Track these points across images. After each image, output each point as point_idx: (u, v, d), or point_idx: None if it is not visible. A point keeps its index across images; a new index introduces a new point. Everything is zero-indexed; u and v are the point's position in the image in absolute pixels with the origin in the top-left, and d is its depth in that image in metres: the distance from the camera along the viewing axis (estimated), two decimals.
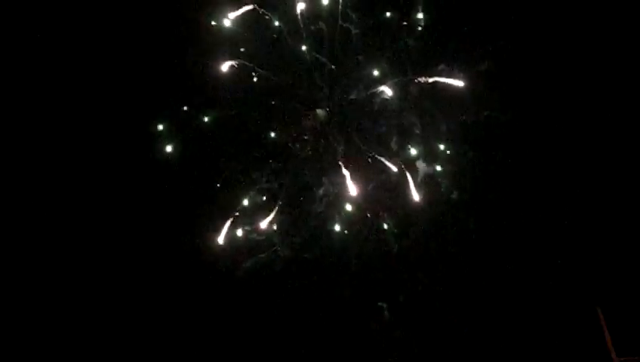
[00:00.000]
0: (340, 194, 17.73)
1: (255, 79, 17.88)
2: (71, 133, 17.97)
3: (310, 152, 18.09)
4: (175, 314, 17.66)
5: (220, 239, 17.59)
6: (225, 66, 17.68)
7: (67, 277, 17.49)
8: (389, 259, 18.03)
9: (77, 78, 18.04)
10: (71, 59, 18.03)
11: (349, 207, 17.89)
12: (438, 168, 18.11)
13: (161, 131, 18.03)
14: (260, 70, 17.74)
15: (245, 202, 17.92)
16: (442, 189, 18.07)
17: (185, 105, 18.07)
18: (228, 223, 17.54)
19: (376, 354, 17.64)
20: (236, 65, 17.69)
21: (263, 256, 17.81)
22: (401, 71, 17.97)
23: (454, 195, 18.11)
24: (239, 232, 17.78)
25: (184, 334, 17.69)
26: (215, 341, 17.63)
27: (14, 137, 17.83)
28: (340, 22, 17.81)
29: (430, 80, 17.49)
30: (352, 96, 18.19)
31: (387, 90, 17.74)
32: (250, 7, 17.47)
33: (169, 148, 18.04)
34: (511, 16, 17.97)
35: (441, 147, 18.17)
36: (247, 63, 17.78)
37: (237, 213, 17.62)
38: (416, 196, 17.53)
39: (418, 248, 18.13)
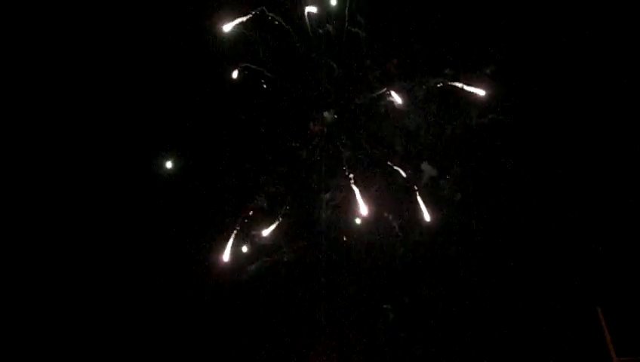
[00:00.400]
0: (347, 199, 17.80)
1: (265, 85, 17.89)
2: (75, 142, 18.06)
3: (318, 157, 18.10)
4: (180, 324, 17.77)
5: (226, 256, 17.67)
6: (231, 70, 17.77)
7: (73, 290, 17.60)
8: (395, 262, 18.09)
9: (86, 83, 18.12)
10: (79, 65, 18.11)
11: (357, 220, 17.97)
12: (443, 171, 18.18)
13: (167, 138, 18.09)
14: (268, 74, 17.76)
15: (251, 212, 17.97)
16: (446, 191, 18.10)
17: (192, 111, 18.12)
18: (231, 239, 17.61)
19: (381, 355, 17.67)
20: (244, 70, 17.75)
21: (268, 259, 17.87)
22: (408, 74, 18.07)
23: (458, 198, 18.14)
24: (244, 248, 17.85)
25: (189, 341, 17.79)
26: (220, 344, 17.71)
27: (18, 147, 17.91)
28: (346, 25, 17.91)
29: (453, 84, 17.59)
30: (360, 100, 18.23)
31: (394, 94, 17.80)
32: (258, 11, 17.49)
33: (176, 153, 18.08)
34: (516, 19, 18.03)
35: (447, 150, 18.24)
36: (255, 67, 17.83)
37: (240, 226, 17.65)
38: (427, 216, 17.69)
39: (423, 249, 18.17)
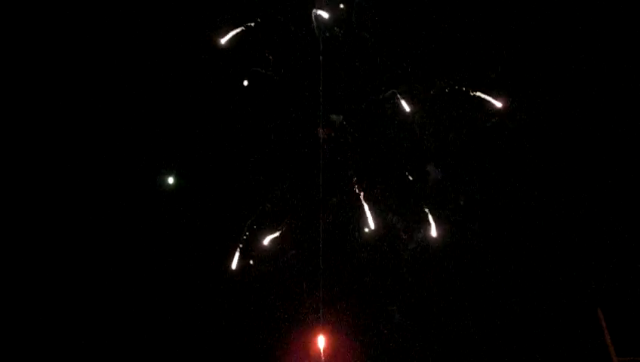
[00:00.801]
0: (354, 203, 17.86)
1: (271, 89, 17.92)
2: (87, 154, 18.19)
3: (325, 161, 18.09)
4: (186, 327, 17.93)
5: (233, 265, 17.74)
6: (238, 74, 17.82)
7: (96, 296, 17.91)
8: (399, 264, 18.15)
9: (92, 93, 18.21)
10: (86, 74, 18.18)
11: (366, 229, 18.01)
12: (449, 175, 18.25)
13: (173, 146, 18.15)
14: (276, 78, 17.78)
15: (257, 219, 18.03)
16: (451, 194, 18.18)
17: (198, 116, 18.16)
18: (238, 250, 17.69)
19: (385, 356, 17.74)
20: (251, 74, 17.79)
21: (272, 264, 17.95)
22: (416, 78, 18.11)
23: (462, 200, 18.19)
24: (251, 261, 17.95)
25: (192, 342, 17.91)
26: (224, 346, 17.82)
27: (25, 162, 18.02)
28: (354, 23, 17.93)
29: (472, 93, 17.64)
30: (367, 103, 18.25)
31: (401, 97, 17.83)
32: (265, 15, 17.53)
33: (183, 157, 18.18)
34: (526, 24, 18.08)
35: (451, 152, 18.31)
36: (262, 70, 17.85)
37: (248, 232, 17.71)
38: (434, 232, 17.78)
39: (426, 251, 18.22)
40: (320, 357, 17.07)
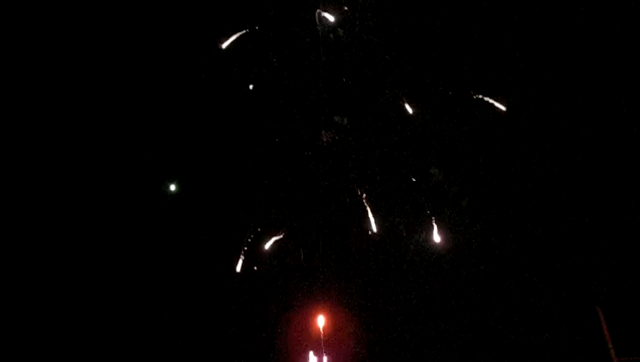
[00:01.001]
0: (357, 205, 17.87)
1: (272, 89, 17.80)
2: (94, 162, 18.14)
3: (329, 163, 18.06)
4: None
5: (238, 267, 17.69)
6: (240, 76, 17.70)
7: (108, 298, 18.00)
8: (401, 266, 18.23)
9: (94, 98, 18.10)
10: (89, 78, 18.05)
11: (369, 232, 17.94)
12: (450, 175, 18.26)
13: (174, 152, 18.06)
14: (284, 81, 17.67)
15: (260, 224, 18.01)
16: (452, 196, 18.20)
17: (199, 119, 18.05)
18: (242, 253, 17.68)
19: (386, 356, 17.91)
20: (253, 76, 17.66)
21: (274, 261, 18.00)
22: (421, 80, 18.02)
23: (464, 203, 18.24)
24: (254, 261, 17.90)
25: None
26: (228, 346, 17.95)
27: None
28: (357, 26, 17.78)
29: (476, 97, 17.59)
30: (371, 105, 18.17)
31: (406, 100, 17.77)
32: (268, 15, 17.36)
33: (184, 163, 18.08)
34: (526, 23, 17.98)
35: (454, 154, 18.32)
36: (264, 72, 17.73)
37: (251, 234, 17.72)
38: (437, 238, 17.76)
39: (428, 252, 18.27)
40: (320, 336, 17.21)
